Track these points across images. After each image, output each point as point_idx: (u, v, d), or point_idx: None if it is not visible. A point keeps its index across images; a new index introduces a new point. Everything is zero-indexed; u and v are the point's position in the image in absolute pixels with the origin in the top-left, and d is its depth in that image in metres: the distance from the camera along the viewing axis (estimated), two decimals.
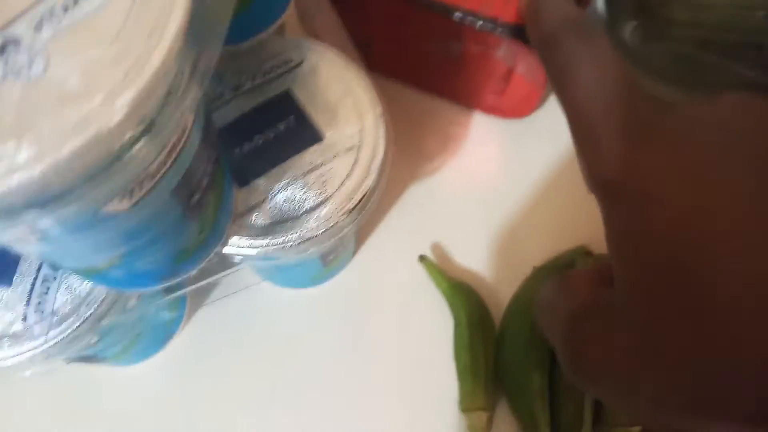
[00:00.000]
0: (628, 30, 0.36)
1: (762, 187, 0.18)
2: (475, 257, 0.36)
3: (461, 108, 0.40)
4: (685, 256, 0.18)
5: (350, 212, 0.26)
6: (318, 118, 0.27)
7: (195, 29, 0.14)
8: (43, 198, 0.13)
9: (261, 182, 0.26)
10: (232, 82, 0.27)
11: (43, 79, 0.13)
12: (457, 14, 0.32)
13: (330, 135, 0.27)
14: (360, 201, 0.26)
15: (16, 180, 0.13)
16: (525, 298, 0.34)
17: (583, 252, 0.34)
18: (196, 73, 0.15)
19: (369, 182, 0.26)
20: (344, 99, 0.27)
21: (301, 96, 0.27)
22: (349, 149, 0.26)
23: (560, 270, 0.34)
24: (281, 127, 0.27)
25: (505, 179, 0.38)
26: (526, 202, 0.37)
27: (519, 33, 0.32)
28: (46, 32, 0.14)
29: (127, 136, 0.14)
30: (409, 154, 0.38)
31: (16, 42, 0.14)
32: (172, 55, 0.14)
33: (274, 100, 0.27)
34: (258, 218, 0.26)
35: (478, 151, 0.39)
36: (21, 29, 0.14)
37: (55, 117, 0.13)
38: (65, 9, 0.14)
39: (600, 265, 0.21)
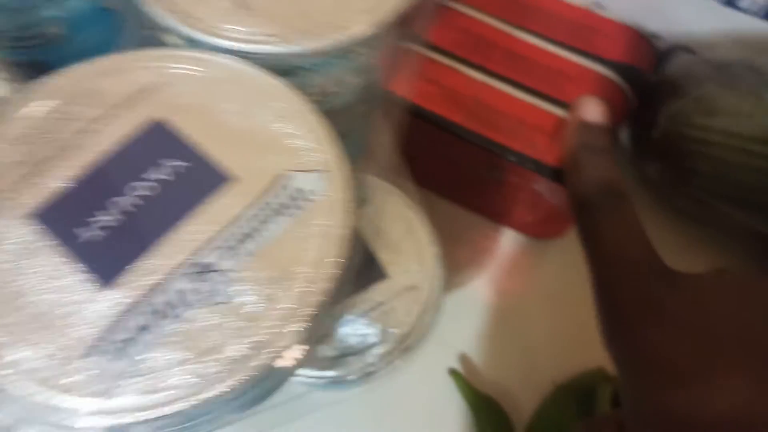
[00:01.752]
0: (652, 169, 0.39)
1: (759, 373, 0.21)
2: (499, 370, 0.39)
3: (493, 223, 0.43)
4: (682, 412, 0.21)
5: (408, 349, 0.28)
6: (382, 256, 0.30)
7: None
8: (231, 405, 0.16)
9: (329, 315, 0.28)
10: None
11: (230, 304, 0.16)
12: (506, 155, 0.35)
13: (392, 273, 0.29)
14: (418, 338, 0.28)
15: (202, 397, 0.15)
16: (546, 416, 0.37)
17: (603, 377, 0.36)
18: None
19: (426, 320, 0.29)
20: (405, 238, 0.30)
21: (367, 233, 0.30)
22: (410, 288, 0.29)
23: (580, 392, 0.37)
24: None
25: (531, 295, 0.41)
26: (550, 319, 0.40)
27: (560, 176, 0.35)
28: (230, 261, 0.16)
29: (295, 358, 0.16)
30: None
31: (209, 269, 0.16)
32: (331, 288, 0.17)
33: None
34: (325, 350, 0.28)
35: (507, 266, 0.42)
36: (211, 258, 0.16)
37: (238, 340, 0.16)
38: (243, 240, 0.17)
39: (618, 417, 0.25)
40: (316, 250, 0.17)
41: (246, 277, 0.16)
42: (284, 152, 0.18)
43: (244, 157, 0.18)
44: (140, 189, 0.17)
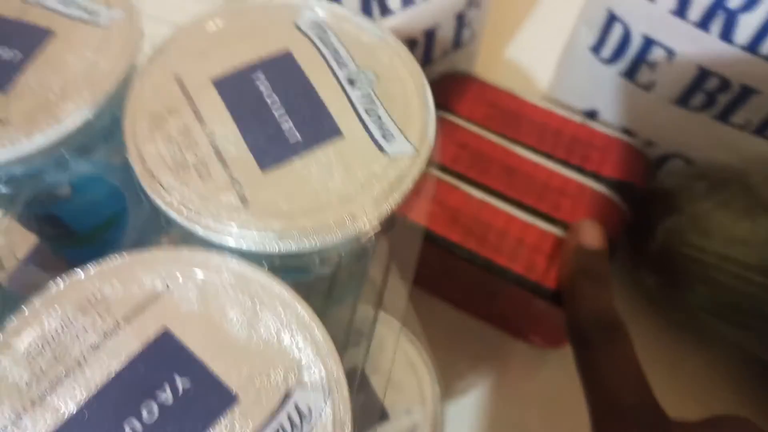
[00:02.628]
0: (649, 281, 0.39)
1: None
2: None
3: (494, 330, 0.43)
4: None
5: None
6: (384, 395, 0.30)
7: None
8: None
9: None
10: None
11: None
12: (505, 276, 0.36)
13: (394, 413, 0.29)
14: None
15: None
16: None
17: None
18: None
19: None
20: (407, 376, 0.30)
21: (369, 370, 0.30)
22: (411, 429, 0.29)
23: None
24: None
25: (532, 405, 0.41)
26: (550, 429, 0.40)
27: (558, 298, 0.35)
28: None
29: None
30: (440, 370, 0.41)
31: None
32: None
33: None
34: None
35: (509, 375, 0.42)
36: None
37: None
38: None
39: None
40: None
41: None
42: (288, 367, 0.18)
43: (249, 373, 0.18)
44: (149, 412, 0.17)
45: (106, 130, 0.23)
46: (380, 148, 0.22)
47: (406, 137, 0.22)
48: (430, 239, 0.37)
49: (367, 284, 0.30)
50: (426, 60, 0.39)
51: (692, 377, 0.40)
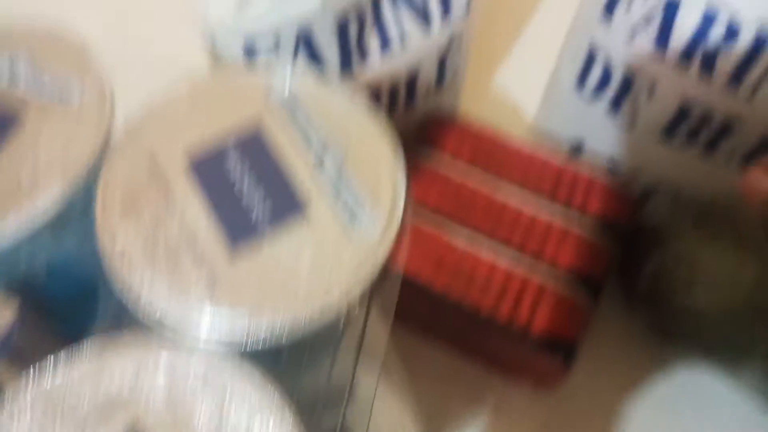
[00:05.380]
0: (641, 319, 0.39)
1: None
2: None
3: (487, 369, 0.42)
4: None
5: None
6: None
7: None
8: None
9: None
10: None
11: None
12: (491, 321, 0.35)
13: None
14: None
15: None
16: None
17: None
18: None
19: None
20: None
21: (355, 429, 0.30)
22: None
23: None
24: None
25: None
26: None
27: (548, 345, 0.35)
28: None
29: None
30: (431, 412, 0.40)
31: None
32: None
33: None
34: None
35: (504, 417, 0.41)
36: None
37: None
38: None
39: None
40: None
41: None
42: None
43: None
44: None
45: (79, 210, 0.23)
46: (349, 227, 0.22)
47: (375, 215, 0.22)
48: (415, 286, 0.37)
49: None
50: (409, 102, 0.39)
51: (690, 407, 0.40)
